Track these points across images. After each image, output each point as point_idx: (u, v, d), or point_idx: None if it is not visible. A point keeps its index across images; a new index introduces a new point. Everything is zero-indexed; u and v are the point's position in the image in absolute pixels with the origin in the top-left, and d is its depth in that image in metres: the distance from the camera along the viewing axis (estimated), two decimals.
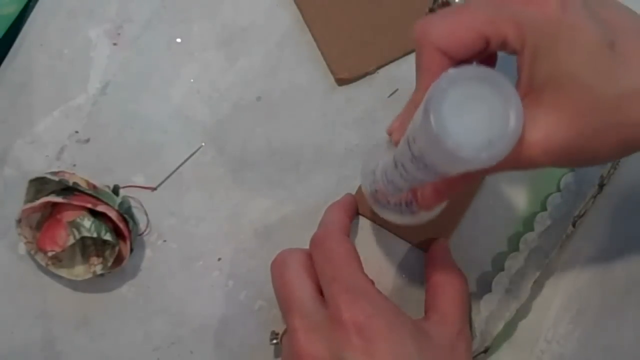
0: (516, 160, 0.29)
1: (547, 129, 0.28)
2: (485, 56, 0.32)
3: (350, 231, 0.43)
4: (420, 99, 0.28)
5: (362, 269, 0.37)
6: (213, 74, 0.47)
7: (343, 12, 0.46)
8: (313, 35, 0.47)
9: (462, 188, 0.32)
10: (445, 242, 0.44)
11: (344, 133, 0.46)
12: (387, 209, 0.39)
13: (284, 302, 0.36)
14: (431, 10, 0.36)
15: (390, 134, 0.35)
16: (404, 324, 0.35)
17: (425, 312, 0.39)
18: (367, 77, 0.46)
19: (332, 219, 0.42)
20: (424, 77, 0.32)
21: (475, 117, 0.26)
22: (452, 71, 0.26)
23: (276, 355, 0.43)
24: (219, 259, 0.45)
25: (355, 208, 0.44)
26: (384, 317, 0.34)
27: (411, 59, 0.46)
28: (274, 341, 0.41)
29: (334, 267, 0.36)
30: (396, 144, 0.34)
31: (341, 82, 0.46)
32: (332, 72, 0.46)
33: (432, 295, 0.40)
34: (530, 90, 0.29)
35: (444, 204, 0.37)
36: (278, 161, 0.46)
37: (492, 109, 0.26)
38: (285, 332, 0.40)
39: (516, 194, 0.45)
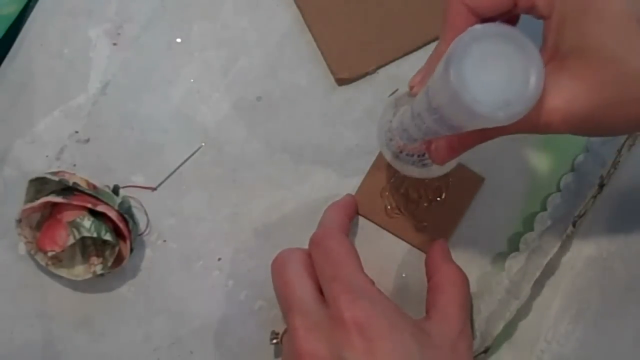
0: (534, 124, 0.29)
1: (569, 96, 0.28)
2: (509, 17, 0.33)
3: (349, 231, 0.43)
4: (442, 52, 0.29)
5: (362, 268, 0.37)
6: (213, 74, 0.47)
7: (343, 12, 0.46)
8: (313, 35, 0.47)
9: (475, 144, 0.32)
10: (445, 241, 0.43)
11: (344, 133, 0.46)
12: (399, 159, 0.39)
13: (285, 301, 0.36)
14: None
15: (411, 87, 0.35)
16: (404, 324, 0.35)
17: (427, 311, 0.39)
18: (367, 77, 0.46)
19: (332, 219, 0.42)
20: (449, 31, 0.32)
21: (495, 75, 0.26)
22: (477, 27, 0.26)
23: (276, 355, 0.43)
24: (219, 259, 0.45)
25: (355, 208, 0.44)
26: (384, 316, 0.34)
27: (411, 59, 0.46)
28: (274, 341, 0.41)
29: (334, 267, 0.36)
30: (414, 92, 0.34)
31: (341, 82, 0.46)
32: (332, 72, 0.46)
33: (432, 295, 0.40)
34: (554, 56, 0.30)
35: (455, 162, 0.37)
36: (278, 161, 0.46)
37: (513, 68, 0.26)
38: (285, 331, 0.40)
39: (516, 194, 0.45)
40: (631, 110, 0.28)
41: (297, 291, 0.36)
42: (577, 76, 0.28)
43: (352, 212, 0.44)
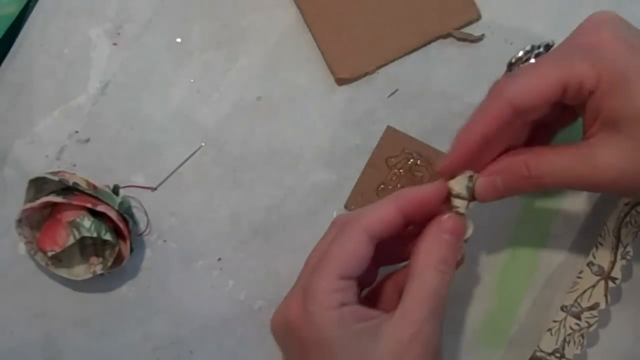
0: (586, 181, 0.33)
1: (622, 154, 0.31)
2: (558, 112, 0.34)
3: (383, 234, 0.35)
4: (472, 138, 0.33)
5: (337, 273, 0.33)
6: (213, 74, 0.47)
7: (343, 12, 0.46)
8: (313, 35, 0.47)
9: (522, 192, 0.37)
10: (456, 224, 0.35)
11: (344, 133, 0.46)
12: None
13: None
14: (510, 69, 0.36)
15: (439, 172, 0.36)
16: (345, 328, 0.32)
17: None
18: (367, 77, 0.46)
19: (374, 208, 0.35)
20: (484, 125, 0.33)
21: None
22: None
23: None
24: (219, 259, 0.45)
25: (419, 202, 0.35)
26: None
27: (411, 59, 0.46)
28: None
29: (319, 259, 0.34)
30: (443, 175, 0.36)
31: (341, 82, 0.46)
32: (332, 72, 0.46)
33: (406, 282, 0.34)
34: (606, 123, 0.32)
35: None
36: (278, 161, 0.46)
37: None
38: None
39: None
40: None
41: None
42: (629, 136, 0.31)
43: (408, 207, 0.35)
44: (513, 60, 0.35)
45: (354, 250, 0.34)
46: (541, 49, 0.35)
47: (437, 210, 0.35)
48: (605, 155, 0.32)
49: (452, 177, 0.36)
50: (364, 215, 0.35)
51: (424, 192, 0.35)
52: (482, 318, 0.43)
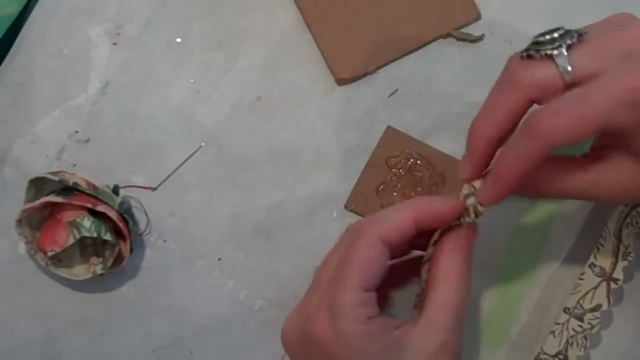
0: (598, 199, 0.34)
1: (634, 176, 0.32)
2: None
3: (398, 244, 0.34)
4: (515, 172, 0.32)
5: (360, 285, 0.33)
6: (213, 74, 0.47)
7: (343, 12, 0.46)
8: (313, 35, 0.47)
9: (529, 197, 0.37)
10: (472, 231, 0.36)
11: (344, 133, 0.46)
12: None
13: None
14: (529, 56, 0.32)
15: (466, 180, 0.36)
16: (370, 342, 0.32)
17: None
18: (367, 77, 0.46)
19: (390, 216, 0.34)
20: (527, 162, 0.32)
21: None
22: None
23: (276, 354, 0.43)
24: (219, 259, 0.45)
25: (435, 215, 0.35)
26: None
27: (411, 59, 0.46)
28: None
29: (336, 269, 0.34)
30: (467, 180, 0.35)
31: (341, 82, 0.46)
32: (332, 72, 0.46)
33: (426, 291, 0.34)
34: (635, 151, 0.32)
35: None
36: (278, 161, 0.46)
37: None
38: None
39: None
40: None
41: None
42: None
43: (424, 220, 0.35)
44: (539, 40, 0.32)
45: (374, 259, 0.33)
46: (575, 39, 0.32)
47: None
48: (624, 182, 0.32)
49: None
50: (380, 223, 0.34)
51: (442, 209, 0.35)
52: (482, 318, 0.43)
